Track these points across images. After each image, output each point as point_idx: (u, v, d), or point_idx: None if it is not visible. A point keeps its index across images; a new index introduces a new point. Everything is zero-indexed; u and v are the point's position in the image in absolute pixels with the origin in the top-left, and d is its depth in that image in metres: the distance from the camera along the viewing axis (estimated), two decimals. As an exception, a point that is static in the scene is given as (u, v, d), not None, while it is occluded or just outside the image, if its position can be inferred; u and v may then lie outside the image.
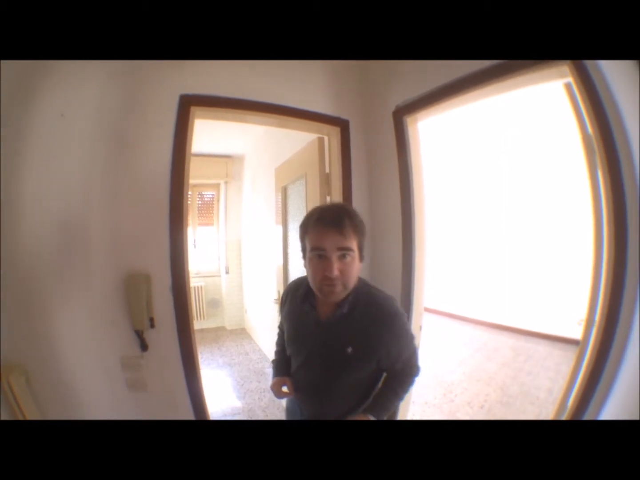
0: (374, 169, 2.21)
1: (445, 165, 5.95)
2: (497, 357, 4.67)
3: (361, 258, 1.21)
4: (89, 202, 1.64)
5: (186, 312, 1.83)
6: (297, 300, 1.37)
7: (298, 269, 2.74)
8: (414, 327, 2.00)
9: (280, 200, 3.07)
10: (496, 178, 5.62)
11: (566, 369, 4.04)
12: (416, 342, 1.41)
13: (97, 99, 1.63)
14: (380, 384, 1.39)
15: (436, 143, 5.03)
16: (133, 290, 1.69)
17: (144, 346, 1.75)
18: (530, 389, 3.73)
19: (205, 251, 5.86)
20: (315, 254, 1.14)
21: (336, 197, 2.17)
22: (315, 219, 1.16)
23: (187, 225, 1.83)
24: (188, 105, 1.78)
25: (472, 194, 6.07)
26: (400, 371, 1.35)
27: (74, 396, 1.68)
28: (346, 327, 1.24)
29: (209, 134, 4.24)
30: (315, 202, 2.28)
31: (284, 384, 1.42)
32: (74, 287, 1.65)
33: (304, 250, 1.24)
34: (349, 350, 1.22)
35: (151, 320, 1.75)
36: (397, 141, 1.99)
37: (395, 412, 2.14)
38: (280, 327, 1.59)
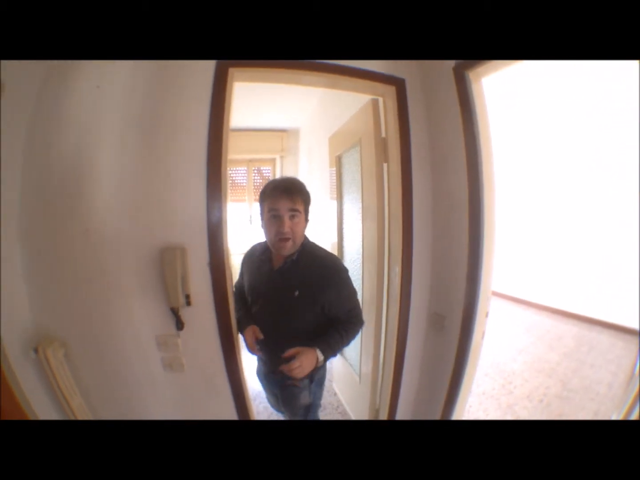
0: (435, 133, 1.96)
1: (514, 133, 5.37)
2: (559, 347, 4.42)
3: (306, 220, 1.59)
4: (124, 174, 1.56)
5: (225, 289, 1.71)
6: (254, 258, 1.76)
7: (353, 247, 2.59)
8: (480, 314, 1.80)
9: (335, 172, 2.90)
10: (568, 154, 5.10)
11: (628, 362, 3.92)
12: (358, 297, 1.73)
13: (130, 69, 1.52)
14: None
15: (503, 105, 4.54)
16: (167, 265, 1.59)
17: (179, 324, 1.67)
18: (592, 384, 3.51)
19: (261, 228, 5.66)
20: (271, 215, 1.50)
21: (394, 164, 1.96)
22: (271, 187, 1.52)
23: (226, 197, 1.69)
24: (226, 66, 1.62)
25: (541, 167, 5.56)
26: (345, 320, 1.63)
27: (111, 372, 1.67)
28: (294, 274, 1.57)
29: (262, 108, 4.18)
30: (371, 171, 2.12)
31: (254, 335, 1.65)
32: (110, 258, 1.59)
33: (262, 213, 1.58)
34: (296, 293, 1.54)
35: (187, 297, 1.65)
36: (460, 100, 1.72)
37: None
38: (237, 287, 1.88)
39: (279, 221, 1.48)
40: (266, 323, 1.65)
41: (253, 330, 1.65)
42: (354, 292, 1.68)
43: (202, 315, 1.72)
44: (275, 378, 1.77)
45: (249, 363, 1.96)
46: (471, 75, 1.68)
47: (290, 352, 1.45)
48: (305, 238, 1.64)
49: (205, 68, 1.60)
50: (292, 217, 1.49)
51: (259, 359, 1.89)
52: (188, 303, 1.66)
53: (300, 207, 1.51)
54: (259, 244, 1.81)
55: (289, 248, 1.53)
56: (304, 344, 1.50)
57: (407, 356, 2.12)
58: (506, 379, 3.66)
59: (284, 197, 1.47)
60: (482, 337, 1.87)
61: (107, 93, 1.50)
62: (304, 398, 1.77)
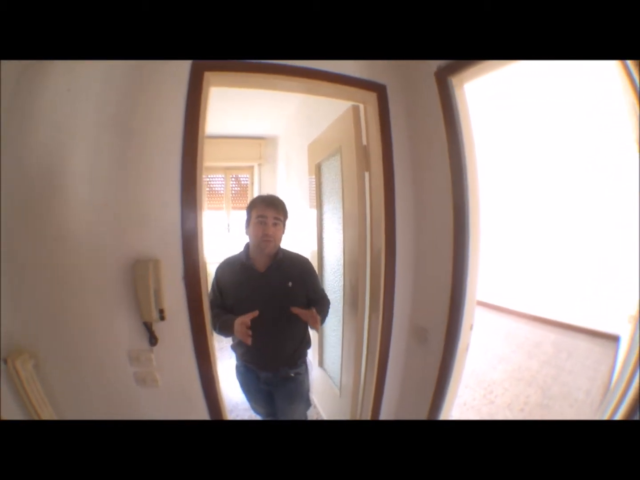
0: (417, 140, 1.91)
1: (497, 139, 5.39)
2: (538, 354, 4.45)
3: (283, 230, 1.89)
4: (96, 181, 1.50)
5: (200, 303, 1.66)
6: (235, 267, 1.91)
7: (334, 256, 2.55)
8: (464, 326, 1.76)
9: (314, 180, 2.83)
10: (545, 159, 5.15)
11: (604, 367, 3.98)
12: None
13: (103, 73, 1.47)
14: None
15: (487, 110, 4.55)
16: (139, 278, 1.53)
17: (153, 340, 1.61)
18: (571, 390, 3.55)
19: (239, 236, 5.54)
20: (259, 220, 1.78)
21: (376, 171, 1.92)
22: (260, 200, 1.85)
23: (202, 207, 1.64)
24: (201, 71, 1.57)
25: (518, 173, 5.60)
26: (320, 298, 2.01)
27: (81, 385, 1.62)
28: (283, 270, 1.87)
29: (240, 115, 4.15)
30: (353, 179, 2.07)
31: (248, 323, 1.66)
32: (82, 268, 1.52)
33: (248, 220, 1.87)
34: (290, 284, 1.85)
35: (161, 312, 1.58)
36: (443, 106, 1.68)
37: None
38: (214, 299, 1.91)
39: (265, 225, 1.78)
40: (262, 318, 1.72)
41: (241, 320, 1.66)
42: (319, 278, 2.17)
43: (176, 330, 1.65)
44: (278, 375, 1.94)
45: (227, 378, 2.03)
46: (454, 80, 1.64)
47: (295, 309, 1.76)
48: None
49: (180, 71, 1.54)
50: (274, 224, 1.80)
51: (246, 369, 2.00)
52: (162, 318, 1.59)
53: (281, 218, 1.84)
54: (232, 256, 2.00)
55: (271, 247, 1.81)
56: (299, 327, 1.92)
57: (389, 369, 2.07)
58: (486, 389, 3.65)
59: (271, 207, 1.80)
60: (467, 351, 1.83)
61: (79, 97, 1.46)
62: (307, 384, 2.07)
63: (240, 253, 1.95)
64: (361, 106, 1.99)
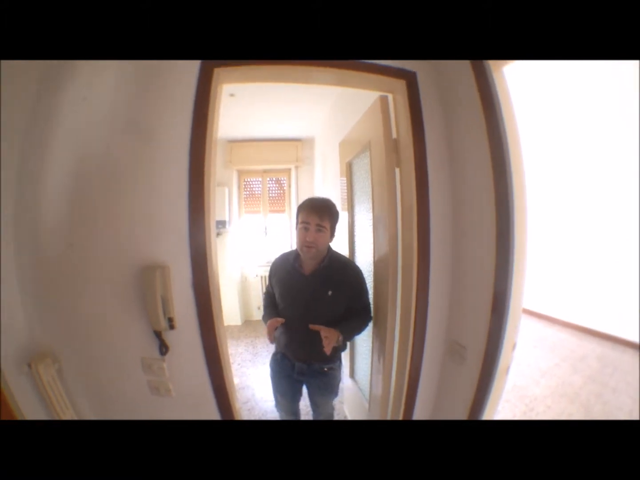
0: (453, 131, 1.70)
1: (546, 129, 4.84)
2: (583, 369, 4.23)
3: (331, 236, 1.88)
4: (108, 187, 1.51)
5: (211, 312, 1.60)
6: (287, 266, 1.97)
7: (364, 262, 2.38)
8: (506, 346, 1.52)
9: (345, 180, 2.66)
10: (601, 155, 4.62)
11: None
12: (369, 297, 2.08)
13: (115, 81, 1.49)
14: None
15: (532, 97, 4.09)
16: (147, 285, 1.50)
17: (164, 349, 1.59)
18: (613, 410, 3.30)
19: (276, 239, 5.60)
20: (302, 226, 1.80)
21: (407, 168, 1.72)
22: (307, 204, 1.84)
23: (211, 212, 1.58)
24: (210, 68, 1.49)
25: (564, 171, 5.10)
26: (360, 310, 1.99)
27: (101, 390, 1.67)
28: (326, 277, 1.87)
29: (276, 117, 4.19)
30: (382, 176, 1.88)
31: (276, 325, 1.87)
32: (95, 274, 1.55)
33: (296, 224, 1.90)
34: (330, 292, 1.85)
35: (170, 320, 1.55)
36: (480, 92, 1.46)
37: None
38: (268, 291, 2.16)
39: (307, 232, 1.78)
40: (300, 319, 1.86)
41: (270, 323, 1.86)
42: (367, 290, 2.03)
43: (187, 339, 1.62)
44: (312, 368, 2.01)
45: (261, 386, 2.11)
46: (492, 63, 1.41)
47: (315, 327, 1.77)
48: (330, 248, 1.94)
49: (190, 70, 1.50)
50: (318, 230, 1.78)
51: (283, 357, 2.09)
52: (171, 326, 1.57)
53: (327, 225, 1.81)
54: (288, 253, 2.06)
55: (313, 253, 1.81)
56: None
57: (420, 387, 1.89)
58: (528, 405, 3.42)
59: (314, 213, 1.77)
60: (507, 373, 1.60)
61: (94, 105, 1.47)
62: (338, 377, 2.13)
63: (293, 251, 2.01)
64: (390, 96, 1.81)
